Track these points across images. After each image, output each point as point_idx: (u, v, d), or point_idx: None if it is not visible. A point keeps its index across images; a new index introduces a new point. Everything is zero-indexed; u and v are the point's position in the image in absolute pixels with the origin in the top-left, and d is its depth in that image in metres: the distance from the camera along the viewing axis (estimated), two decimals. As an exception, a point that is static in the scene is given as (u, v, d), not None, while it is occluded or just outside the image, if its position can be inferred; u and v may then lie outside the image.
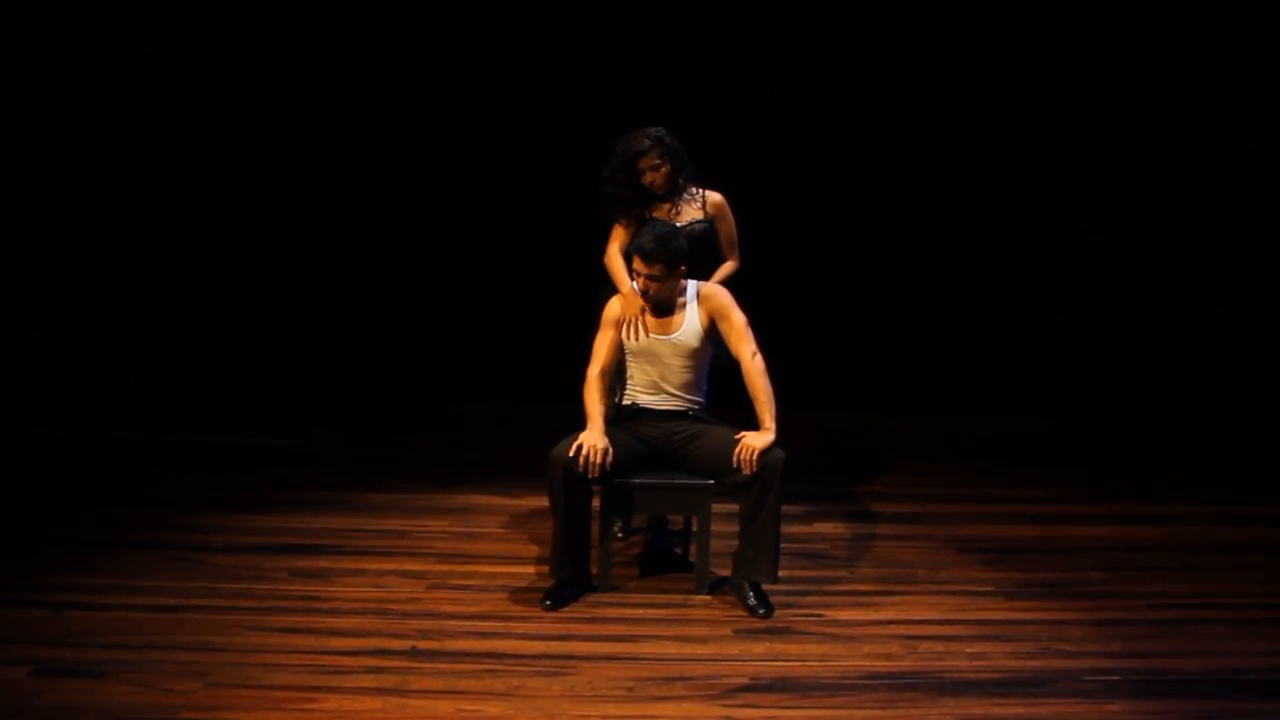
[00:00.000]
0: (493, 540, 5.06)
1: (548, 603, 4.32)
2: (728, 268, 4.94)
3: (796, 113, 6.99)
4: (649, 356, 4.52)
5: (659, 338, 4.50)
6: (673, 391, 4.54)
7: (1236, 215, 7.19)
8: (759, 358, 4.44)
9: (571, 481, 4.28)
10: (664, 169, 4.71)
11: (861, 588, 4.62)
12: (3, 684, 3.57)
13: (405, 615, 4.20)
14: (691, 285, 4.55)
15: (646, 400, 4.56)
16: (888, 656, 3.98)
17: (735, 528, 4.43)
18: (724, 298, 4.52)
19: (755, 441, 4.30)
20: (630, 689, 3.69)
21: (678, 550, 4.91)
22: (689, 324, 4.49)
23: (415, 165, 6.99)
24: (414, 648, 3.94)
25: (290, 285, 6.97)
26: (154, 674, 3.67)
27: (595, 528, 4.47)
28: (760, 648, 4.03)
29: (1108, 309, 7.28)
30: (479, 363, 6.98)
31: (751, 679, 3.80)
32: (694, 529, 4.65)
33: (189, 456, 6.18)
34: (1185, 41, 6.98)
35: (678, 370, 4.52)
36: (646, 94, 6.39)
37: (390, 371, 7.09)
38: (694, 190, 4.83)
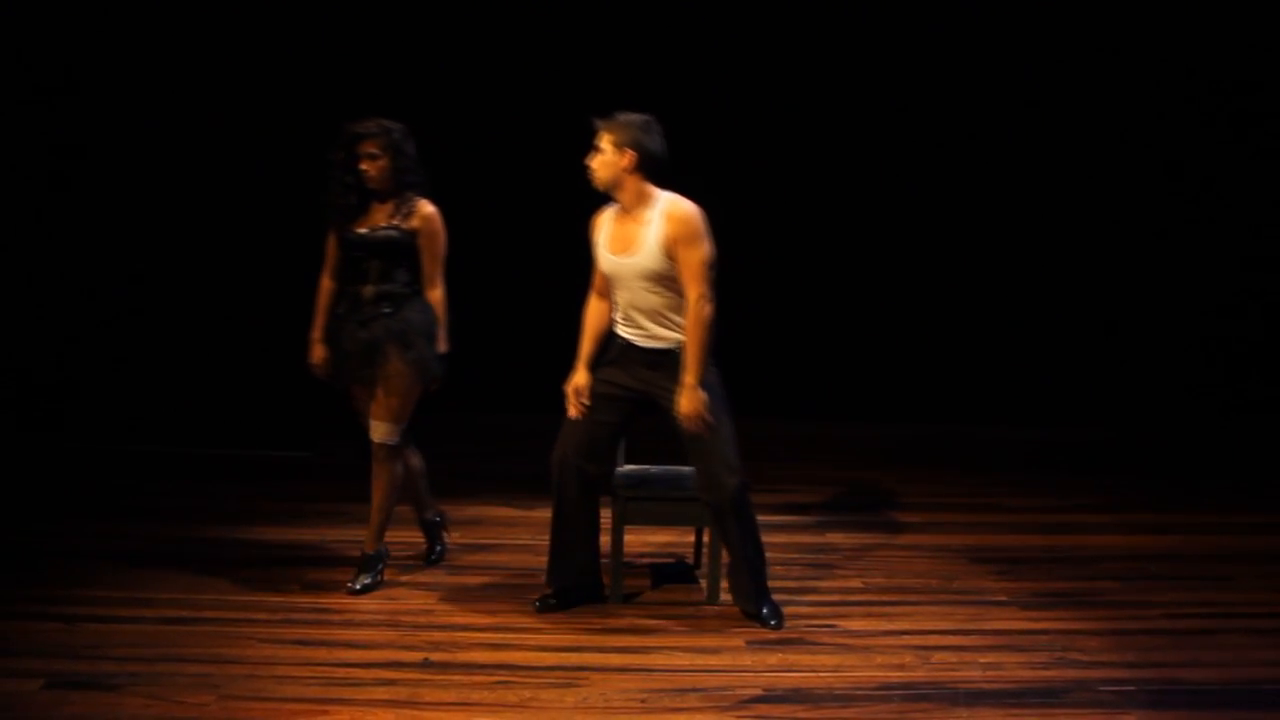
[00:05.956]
0: (504, 551, 5.05)
1: (536, 604, 4.32)
2: (435, 299, 4.45)
3: (812, 112, 7.01)
4: (616, 280, 4.16)
5: (619, 259, 4.10)
6: (644, 321, 4.14)
7: (1245, 224, 7.19)
8: (706, 305, 4.00)
9: (567, 482, 4.24)
10: (380, 162, 4.33)
11: (874, 598, 4.60)
12: (17, 697, 3.57)
13: (417, 627, 4.20)
14: (662, 199, 4.07)
15: (626, 332, 4.21)
16: (901, 667, 3.96)
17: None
18: (688, 226, 4.01)
19: (684, 408, 4.05)
20: (643, 700, 3.68)
21: (689, 560, 4.91)
22: (647, 244, 4.04)
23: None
24: (426, 659, 3.93)
25: (299, 294, 6.96)
26: (167, 687, 3.67)
27: (606, 539, 4.46)
28: (773, 658, 4.02)
29: (1117, 318, 7.27)
30: (489, 373, 6.97)
31: (765, 690, 3.78)
32: (705, 540, 4.64)
33: (199, 469, 6.19)
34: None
35: (643, 294, 4.10)
36: (647, 89, 6.37)
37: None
38: (412, 200, 4.41)
